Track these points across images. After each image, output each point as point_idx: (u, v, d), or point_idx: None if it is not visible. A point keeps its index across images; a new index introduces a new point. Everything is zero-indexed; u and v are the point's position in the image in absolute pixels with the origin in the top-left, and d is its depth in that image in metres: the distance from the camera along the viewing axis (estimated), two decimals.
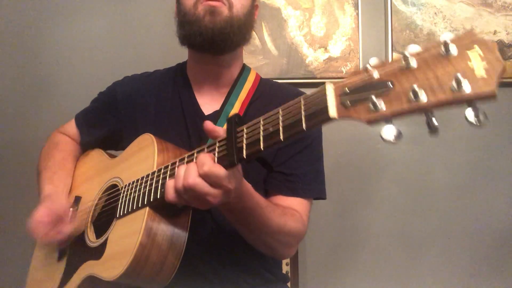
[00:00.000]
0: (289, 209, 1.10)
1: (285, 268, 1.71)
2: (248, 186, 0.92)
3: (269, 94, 1.25)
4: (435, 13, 1.96)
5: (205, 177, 0.80)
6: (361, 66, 1.95)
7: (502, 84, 1.81)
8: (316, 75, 1.97)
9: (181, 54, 1.29)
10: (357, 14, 1.97)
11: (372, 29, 1.99)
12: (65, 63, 2.02)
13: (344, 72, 1.95)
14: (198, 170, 0.80)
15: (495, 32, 1.94)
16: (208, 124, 0.86)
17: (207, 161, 0.80)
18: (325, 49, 1.98)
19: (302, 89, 1.29)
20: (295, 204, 1.14)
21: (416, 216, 1.98)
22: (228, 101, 1.20)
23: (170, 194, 0.85)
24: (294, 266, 1.76)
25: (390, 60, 0.61)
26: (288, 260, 1.74)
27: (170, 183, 0.86)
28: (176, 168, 0.90)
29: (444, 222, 1.97)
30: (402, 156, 1.98)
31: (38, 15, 2.02)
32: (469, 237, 1.97)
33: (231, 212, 0.95)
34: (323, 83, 2.07)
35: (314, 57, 1.98)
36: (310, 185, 1.19)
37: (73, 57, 2.02)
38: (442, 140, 1.95)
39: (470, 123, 0.52)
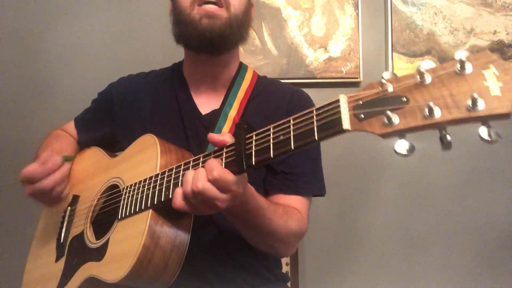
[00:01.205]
0: (290, 208, 1.10)
1: (285, 268, 1.72)
2: (251, 189, 0.92)
3: (267, 92, 1.25)
4: (435, 13, 1.97)
5: (214, 182, 0.80)
6: (361, 66, 1.95)
7: None
8: (316, 75, 1.97)
9: (181, 54, 1.28)
10: (357, 14, 1.97)
11: (372, 29, 1.99)
12: (65, 63, 2.01)
13: (344, 72, 1.96)
14: (207, 175, 0.80)
15: (495, 32, 1.95)
16: (213, 137, 0.85)
17: (217, 166, 0.80)
18: (325, 49, 1.98)
19: (303, 89, 1.29)
20: (295, 202, 1.14)
21: (416, 216, 1.99)
22: (226, 101, 1.20)
23: (178, 200, 0.85)
24: (294, 266, 1.77)
25: (403, 74, 0.61)
26: (288, 260, 1.74)
27: (178, 190, 0.86)
28: (181, 171, 0.90)
29: (444, 222, 1.98)
30: (402, 156, 1.98)
31: (38, 15, 2.00)
32: (469, 237, 1.98)
33: (235, 215, 0.95)
34: (323, 83, 2.08)
35: (314, 57, 1.98)
36: (310, 183, 1.19)
37: (73, 57, 2.01)
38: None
39: (483, 139, 0.53)
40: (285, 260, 1.72)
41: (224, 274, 1.14)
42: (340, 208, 2.00)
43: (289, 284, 1.34)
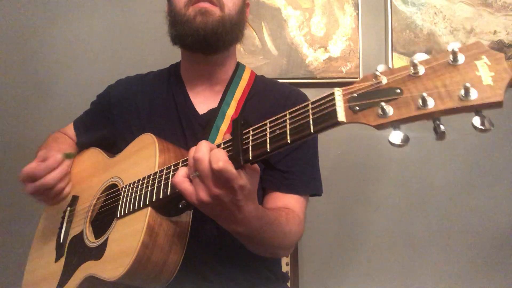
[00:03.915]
0: (290, 212, 1.10)
1: (285, 268, 1.72)
2: (258, 207, 0.89)
3: (265, 91, 1.26)
4: (435, 13, 1.97)
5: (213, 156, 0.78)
6: (361, 66, 1.96)
7: None
8: (316, 75, 1.97)
9: (179, 55, 1.29)
10: (357, 14, 1.98)
11: (372, 29, 2.00)
12: (64, 64, 2.02)
13: (344, 72, 1.96)
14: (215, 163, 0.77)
15: (495, 32, 1.95)
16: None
17: (223, 156, 0.78)
18: (325, 49, 1.98)
19: (302, 89, 1.30)
20: (293, 201, 1.14)
21: (416, 216, 1.98)
22: (224, 100, 1.20)
23: (180, 178, 0.83)
24: (294, 266, 1.77)
25: (397, 66, 0.62)
26: (288, 260, 1.74)
27: (182, 168, 0.84)
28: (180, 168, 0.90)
29: (444, 222, 1.98)
30: (402, 156, 1.98)
31: (38, 15, 2.02)
32: (469, 237, 1.97)
33: (241, 235, 0.92)
34: (323, 83, 2.09)
35: (314, 57, 1.98)
36: (307, 182, 1.19)
37: (72, 58, 2.02)
38: (441, 140, 1.95)
39: (477, 128, 0.54)
40: (285, 260, 1.72)
41: (223, 273, 1.14)
42: (340, 208, 2.00)
43: (289, 284, 1.35)
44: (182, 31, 1.12)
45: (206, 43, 1.12)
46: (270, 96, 1.24)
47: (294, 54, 1.98)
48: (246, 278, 1.17)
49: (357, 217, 2.01)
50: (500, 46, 1.94)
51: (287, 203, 1.13)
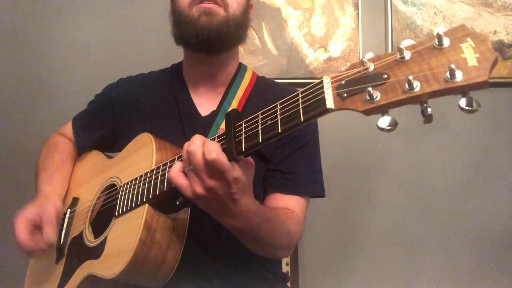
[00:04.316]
0: (290, 212, 1.10)
1: (285, 268, 1.71)
2: (254, 201, 0.90)
3: (266, 92, 1.26)
4: (435, 13, 1.97)
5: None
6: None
7: (502, 84, 1.82)
8: (316, 75, 1.97)
9: (181, 55, 1.29)
10: (357, 14, 1.98)
11: (372, 29, 2.00)
12: (64, 63, 2.03)
13: None
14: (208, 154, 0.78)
15: (495, 32, 1.95)
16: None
17: (217, 148, 0.79)
18: (325, 49, 1.98)
19: (302, 89, 1.30)
20: (293, 202, 1.14)
21: (416, 216, 1.98)
22: (225, 100, 1.21)
23: (175, 172, 0.84)
24: (294, 266, 1.76)
25: (385, 54, 0.62)
26: (288, 260, 1.74)
27: (177, 163, 0.85)
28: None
29: (444, 222, 1.97)
30: (402, 156, 1.98)
31: (38, 15, 2.03)
32: (469, 237, 1.96)
33: (237, 230, 0.93)
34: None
35: (314, 57, 1.98)
36: (308, 183, 1.19)
37: (73, 57, 2.03)
38: (441, 140, 1.95)
39: (464, 110, 0.54)
40: (285, 260, 1.72)
41: (222, 273, 1.14)
42: (340, 208, 1.99)
43: (289, 284, 1.34)
44: (186, 31, 1.13)
45: (210, 44, 1.12)
46: (271, 96, 1.24)
47: (294, 54, 1.99)
48: (246, 278, 1.17)
49: (357, 217, 2.00)
50: (500, 46, 1.94)
51: (288, 204, 1.13)
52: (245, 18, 1.20)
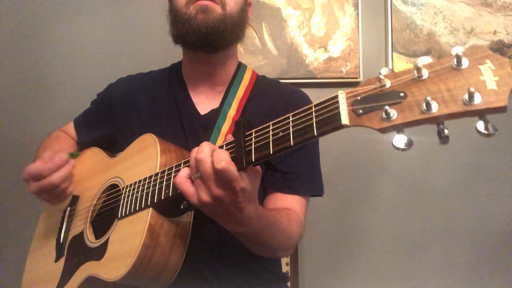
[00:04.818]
0: (291, 213, 1.10)
1: (285, 268, 1.72)
2: (259, 208, 0.90)
3: (266, 91, 1.25)
4: (435, 13, 1.97)
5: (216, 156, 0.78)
6: (361, 66, 1.96)
7: None
8: (316, 75, 1.97)
9: (180, 55, 1.29)
10: (357, 14, 1.98)
11: (372, 29, 2.00)
12: (64, 63, 2.01)
13: (344, 72, 1.96)
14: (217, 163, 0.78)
15: (495, 32, 1.95)
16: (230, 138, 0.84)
17: (226, 156, 0.78)
18: (325, 49, 1.98)
19: (302, 89, 1.30)
20: (294, 202, 1.15)
21: (416, 216, 1.99)
22: (226, 100, 1.20)
23: (182, 179, 0.83)
24: (294, 266, 1.77)
25: (400, 70, 0.62)
26: (288, 260, 1.74)
27: (184, 170, 0.85)
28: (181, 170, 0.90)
29: (444, 222, 1.98)
30: (402, 156, 1.98)
31: (38, 15, 2.01)
32: (469, 237, 1.98)
33: (241, 235, 0.93)
34: (323, 83, 2.08)
35: (314, 57, 1.98)
36: (308, 183, 1.20)
37: (73, 57, 2.01)
38: (445, 144, 1.95)
39: (481, 133, 0.54)
40: (285, 260, 1.72)
41: (224, 274, 1.14)
42: (340, 208, 2.00)
43: (289, 284, 1.35)
44: (183, 29, 1.12)
45: (207, 41, 1.12)
46: (271, 96, 1.24)
47: (294, 54, 1.98)
48: (246, 278, 1.17)
49: (357, 218, 2.01)
50: (500, 46, 1.94)
51: (288, 203, 1.14)
52: (243, 16, 1.19)
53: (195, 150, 0.81)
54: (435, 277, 1.98)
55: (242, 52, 1.97)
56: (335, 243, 2.01)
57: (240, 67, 1.28)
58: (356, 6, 1.98)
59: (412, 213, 1.99)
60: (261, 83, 1.28)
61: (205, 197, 0.80)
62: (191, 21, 1.10)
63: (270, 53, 1.98)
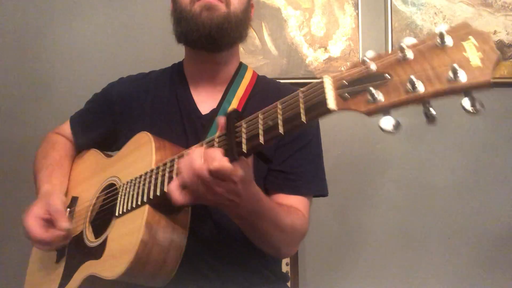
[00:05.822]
0: (293, 208, 1.10)
1: (285, 268, 1.71)
2: (257, 189, 0.91)
3: (266, 91, 1.25)
4: (435, 13, 1.97)
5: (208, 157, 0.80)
6: None
7: (502, 84, 1.81)
8: (316, 75, 1.97)
9: (181, 54, 1.29)
10: (357, 14, 1.98)
11: (372, 29, 2.00)
12: (65, 63, 2.02)
13: None
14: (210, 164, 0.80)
15: (495, 32, 1.95)
16: (220, 119, 0.86)
17: (218, 155, 0.80)
18: (325, 49, 1.98)
19: (302, 89, 1.29)
20: (297, 202, 1.14)
21: (416, 216, 1.98)
22: (225, 99, 1.20)
23: (174, 187, 0.86)
24: (294, 266, 1.76)
25: (386, 52, 0.61)
26: (288, 260, 1.74)
27: (174, 182, 0.87)
28: (175, 164, 0.90)
29: (444, 222, 1.97)
30: (402, 156, 1.98)
31: (38, 15, 2.03)
32: (469, 237, 1.96)
33: (240, 217, 0.94)
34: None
35: (314, 57, 1.98)
36: (311, 182, 1.19)
37: (72, 57, 2.02)
38: (442, 140, 1.95)
39: (467, 111, 0.53)
40: (285, 260, 1.72)
41: (223, 272, 1.13)
42: (340, 208, 1.99)
43: (289, 284, 1.34)
44: (187, 27, 1.13)
45: (211, 39, 1.12)
46: (271, 96, 1.23)
47: (294, 54, 1.98)
48: (246, 277, 1.16)
49: (357, 217, 2.00)
50: (500, 46, 1.94)
51: (291, 204, 1.13)
52: (246, 16, 1.20)
53: (186, 159, 0.84)
54: (435, 277, 1.96)
55: (242, 52, 1.97)
56: (335, 243, 2.00)
57: (241, 67, 1.28)
58: (356, 6, 1.98)
59: (412, 213, 1.98)
60: (261, 83, 1.28)
61: (209, 196, 0.83)
62: (195, 18, 1.10)
63: (270, 53, 1.99)
